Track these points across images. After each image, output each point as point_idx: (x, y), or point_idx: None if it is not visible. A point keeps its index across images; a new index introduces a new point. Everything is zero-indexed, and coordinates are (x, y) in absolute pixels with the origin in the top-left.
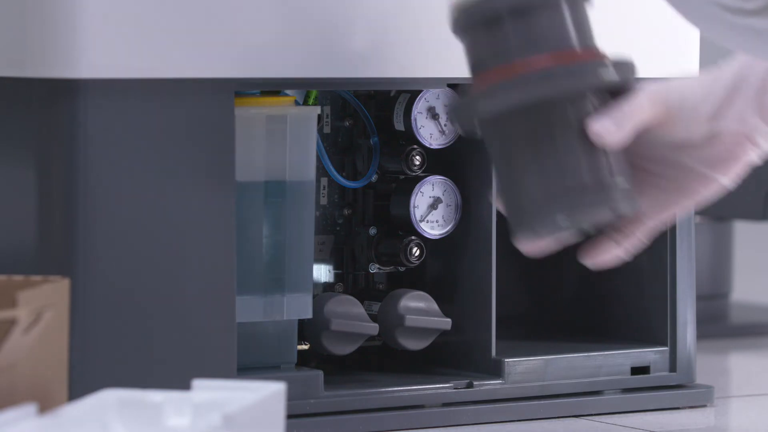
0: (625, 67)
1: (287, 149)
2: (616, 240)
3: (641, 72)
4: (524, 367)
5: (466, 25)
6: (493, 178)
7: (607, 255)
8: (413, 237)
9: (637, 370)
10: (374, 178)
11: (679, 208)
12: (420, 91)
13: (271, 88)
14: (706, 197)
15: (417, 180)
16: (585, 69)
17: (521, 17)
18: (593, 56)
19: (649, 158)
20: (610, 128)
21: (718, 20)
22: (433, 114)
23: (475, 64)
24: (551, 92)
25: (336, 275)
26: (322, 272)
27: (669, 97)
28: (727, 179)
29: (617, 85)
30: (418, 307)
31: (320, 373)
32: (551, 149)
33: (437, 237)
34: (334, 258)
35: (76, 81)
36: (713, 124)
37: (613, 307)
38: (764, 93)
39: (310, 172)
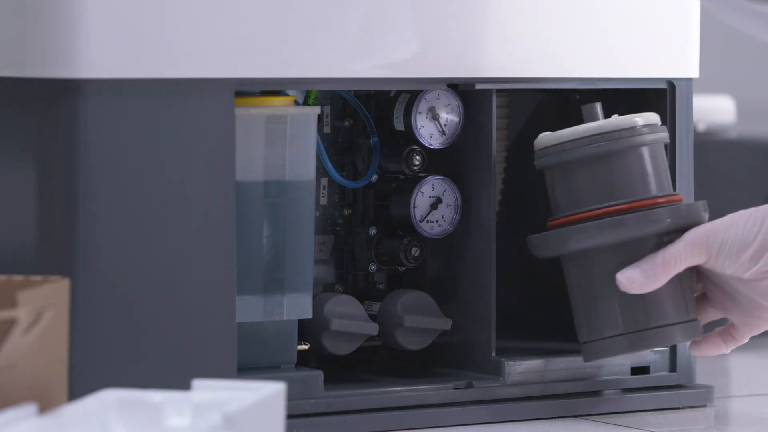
0: (695, 208)
1: (287, 149)
2: (723, 338)
3: (644, 72)
4: (524, 367)
5: (559, 162)
6: (493, 177)
7: (713, 350)
8: (413, 237)
9: (637, 370)
10: (374, 178)
11: (764, 324)
12: (420, 91)
13: (271, 88)
14: None
15: (417, 180)
16: (659, 214)
17: (604, 163)
18: (669, 200)
19: (724, 281)
20: (638, 279)
21: (737, 7)
22: (433, 114)
23: (568, 203)
24: (625, 236)
25: (336, 275)
26: (322, 272)
27: (709, 243)
28: None
29: (687, 225)
30: (418, 307)
31: (320, 373)
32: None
33: (437, 237)
34: (334, 258)
35: (76, 81)
36: (756, 267)
37: None
38: None
39: (310, 172)
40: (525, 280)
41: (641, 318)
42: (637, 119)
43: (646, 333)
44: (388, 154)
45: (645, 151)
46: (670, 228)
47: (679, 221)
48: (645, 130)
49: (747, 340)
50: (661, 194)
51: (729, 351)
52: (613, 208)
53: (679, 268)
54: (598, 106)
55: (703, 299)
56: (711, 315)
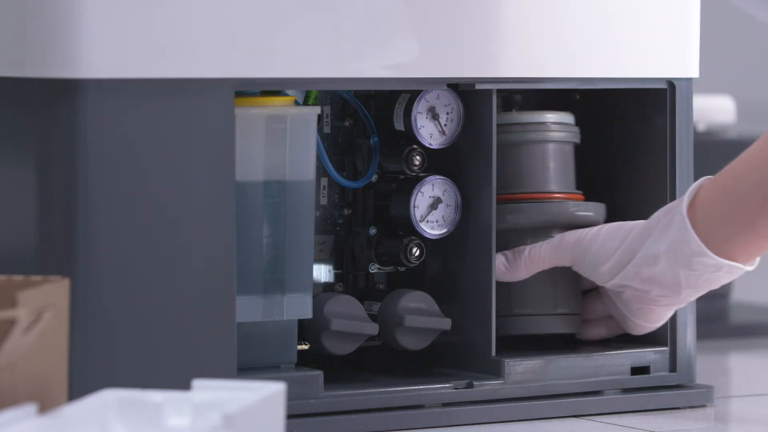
0: (565, 207)
1: (287, 149)
2: (607, 326)
3: (644, 72)
4: (524, 367)
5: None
6: (493, 177)
7: (596, 335)
8: (413, 237)
9: (637, 370)
10: (374, 178)
11: (640, 328)
12: (420, 91)
13: (271, 88)
14: (648, 329)
15: (417, 180)
16: (527, 207)
17: (513, 152)
18: (567, 197)
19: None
20: (500, 267)
21: None
22: (433, 114)
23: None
24: (507, 224)
25: (336, 275)
26: (322, 272)
27: (575, 250)
28: (648, 324)
29: (561, 224)
30: (418, 307)
31: (320, 373)
32: None
33: (437, 237)
34: (334, 258)
35: (76, 81)
36: (613, 281)
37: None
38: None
39: (310, 172)
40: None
41: (505, 304)
42: (548, 116)
43: (509, 319)
44: (388, 154)
45: (550, 147)
46: (539, 224)
47: (547, 218)
48: (554, 127)
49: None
50: (559, 191)
51: (613, 337)
52: (510, 195)
53: (543, 267)
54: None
55: (596, 294)
56: (600, 311)
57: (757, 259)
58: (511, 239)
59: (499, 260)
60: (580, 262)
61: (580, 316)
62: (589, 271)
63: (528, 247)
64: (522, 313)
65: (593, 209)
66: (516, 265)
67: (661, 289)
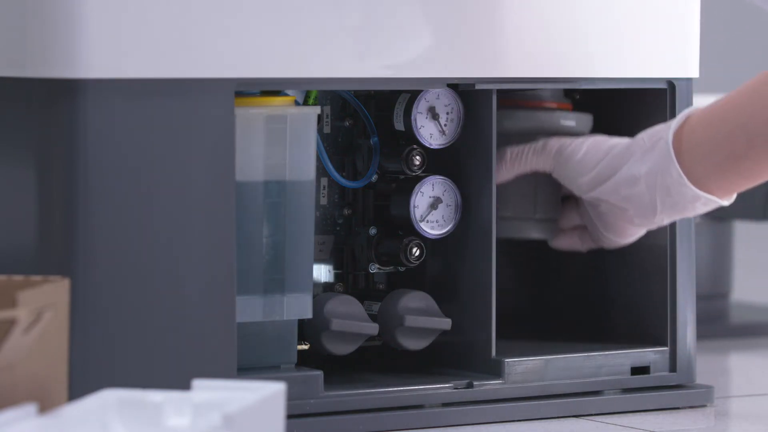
0: (554, 117)
1: (287, 149)
2: (580, 237)
3: (644, 72)
4: (524, 367)
5: None
6: (493, 177)
7: (568, 245)
8: (413, 237)
9: (637, 370)
10: (374, 178)
11: (611, 243)
12: (420, 91)
13: (271, 88)
14: (619, 244)
15: (417, 180)
16: (517, 113)
17: None
18: (558, 106)
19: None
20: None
21: None
22: (433, 114)
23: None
24: (506, 127)
25: (336, 275)
26: (322, 272)
27: (557, 156)
28: (619, 240)
29: (569, 131)
30: (418, 307)
31: (320, 373)
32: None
33: (437, 237)
34: (334, 258)
35: (76, 81)
36: (591, 194)
37: (613, 307)
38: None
39: (310, 172)
40: (525, 280)
41: (499, 205)
42: None
43: (510, 222)
44: (388, 154)
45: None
46: (524, 130)
47: (533, 124)
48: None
49: (601, 246)
50: (551, 99)
51: (585, 250)
52: (511, 101)
53: (524, 170)
54: None
55: (573, 203)
56: (574, 220)
57: (734, 195)
58: (499, 143)
59: None
60: (560, 170)
61: (558, 223)
62: (568, 180)
63: (510, 149)
64: (502, 216)
65: (576, 119)
66: (498, 166)
67: (637, 209)
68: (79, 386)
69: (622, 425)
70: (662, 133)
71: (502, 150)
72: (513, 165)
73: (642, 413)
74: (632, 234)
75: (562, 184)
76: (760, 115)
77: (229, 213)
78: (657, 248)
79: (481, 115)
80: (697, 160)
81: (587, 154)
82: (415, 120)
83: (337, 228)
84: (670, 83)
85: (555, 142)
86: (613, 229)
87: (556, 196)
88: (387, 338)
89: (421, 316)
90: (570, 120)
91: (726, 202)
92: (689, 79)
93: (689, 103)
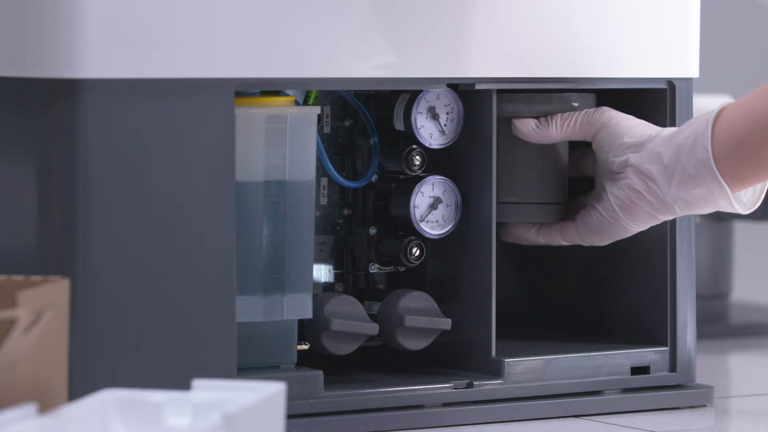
0: (585, 98)
1: (287, 149)
2: (564, 231)
3: (644, 72)
4: (524, 367)
5: None
6: (493, 177)
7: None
8: (413, 237)
9: (637, 370)
10: (374, 178)
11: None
12: (420, 91)
13: (271, 88)
14: (621, 236)
15: (417, 180)
16: (547, 96)
17: None
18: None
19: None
20: (530, 126)
21: None
22: (433, 114)
23: None
24: (508, 110)
25: (336, 275)
26: (322, 272)
27: (609, 121)
28: (631, 224)
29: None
30: (418, 307)
31: (320, 373)
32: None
33: (437, 237)
34: (334, 258)
35: (76, 81)
36: (624, 157)
37: (613, 307)
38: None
39: (310, 172)
40: (525, 279)
41: (503, 191)
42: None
43: (497, 206)
44: (388, 154)
45: None
46: (524, 113)
47: (533, 107)
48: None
49: (583, 243)
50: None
51: (563, 244)
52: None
53: (571, 134)
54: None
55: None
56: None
57: (749, 201)
58: (500, 127)
59: (529, 123)
60: (604, 134)
61: (565, 206)
62: (606, 146)
63: (560, 114)
64: (508, 201)
65: (579, 99)
66: (547, 127)
67: (657, 184)
68: (79, 386)
69: (622, 425)
70: (701, 140)
71: (550, 116)
72: (563, 126)
73: (642, 413)
74: (642, 222)
75: (597, 153)
76: None
77: (229, 213)
78: (657, 248)
79: (481, 115)
80: (732, 166)
81: (639, 125)
82: (415, 120)
83: (337, 228)
84: (670, 83)
85: (608, 109)
86: (627, 210)
87: (562, 180)
88: (387, 338)
89: (421, 316)
90: (572, 101)
91: (739, 206)
92: (689, 79)
93: (689, 103)
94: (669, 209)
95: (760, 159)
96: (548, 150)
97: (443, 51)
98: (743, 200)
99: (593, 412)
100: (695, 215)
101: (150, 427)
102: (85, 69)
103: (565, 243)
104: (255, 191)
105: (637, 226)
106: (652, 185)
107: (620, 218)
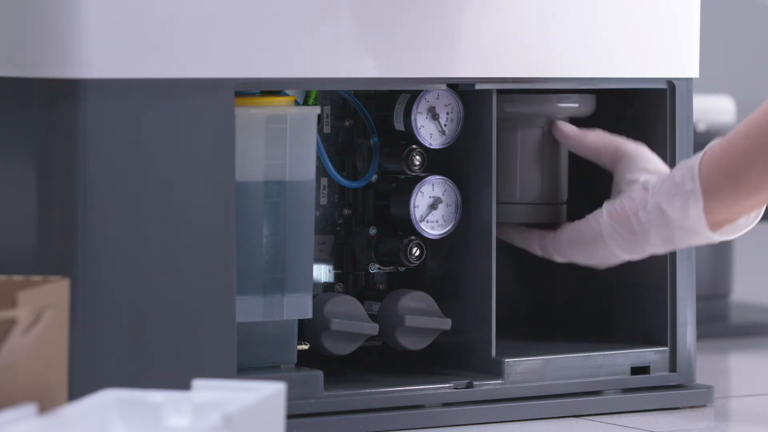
0: (585, 99)
1: (287, 149)
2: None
3: (644, 72)
4: (524, 367)
5: None
6: (493, 177)
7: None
8: (413, 237)
9: (637, 370)
10: (374, 178)
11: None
12: (420, 91)
13: (271, 88)
14: (594, 254)
15: (417, 180)
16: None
17: None
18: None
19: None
20: (572, 130)
21: None
22: (433, 114)
23: None
24: (508, 110)
25: (336, 275)
26: (322, 272)
27: (636, 150)
28: (612, 236)
29: (572, 113)
30: (418, 307)
31: (320, 373)
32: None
33: (437, 237)
34: (334, 258)
35: (76, 81)
36: (635, 177)
37: (613, 307)
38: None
39: (310, 172)
40: (525, 279)
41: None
42: None
43: (497, 207)
44: (388, 154)
45: None
46: (525, 113)
47: (534, 108)
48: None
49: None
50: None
51: (540, 254)
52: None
53: (606, 147)
54: None
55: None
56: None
57: (724, 231)
58: (500, 127)
59: (572, 128)
60: (630, 158)
61: (565, 206)
62: (630, 164)
63: (600, 130)
64: (509, 202)
65: (579, 100)
66: (585, 135)
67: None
68: (79, 386)
69: (622, 425)
70: (690, 192)
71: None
72: (599, 139)
73: (642, 413)
74: (623, 236)
75: (615, 173)
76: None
77: (229, 213)
78: None
79: (481, 115)
80: (718, 209)
81: (666, 167)
82: (415, 120)
83: (337, 228)
84: (670, 83)
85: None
86: (616, 220)
87: (563, 181)
88: (387, 338)
89: (421, 316)
90: (572, 102)
91: (714, 234)
92: (689, 79)
93: (689, 103)
94: (645, 235)
95: (739, 171)
96: (548, 151)
97: (443, 51)
98: (722, 231)
99: (593, 412)
100: None
101: (150, 427)
102: (85, 69)
103: (539, 252)
104: (255, 191)
105: (615, 243)
106: (647, 197)
107: (603, 228)
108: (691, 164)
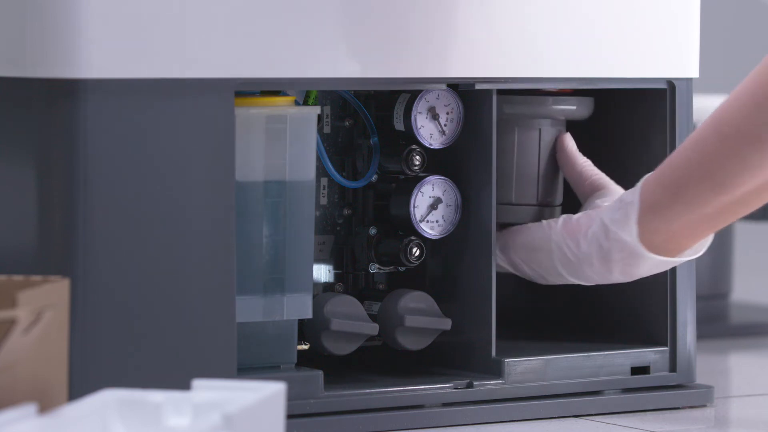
0: (583, 102)
1: (287, 149)
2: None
3: (644, 72)
4: (524, 367)
5: None
6: (493, 177)
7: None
8: (413, 237)
9: (637, 370)
10: (374, 178)
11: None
12: (420, 91)
13: (271, 88)
14: (539, 262)
15: (417, 180)
16: (539, 99)
17: None
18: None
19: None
20: (571, 147)
21: None
22: (433, 114)
23: None
24: (507, 111)
25: (336, 275)
26: (322, 272)
27: (606, 180)
28: (563, 267)
29: (569, 115)
30: (418, 307)
31: (320, 373)
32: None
33: (437, 237)
34: (334, 258)
35: (76, 81)
36: (602, 202)
37: (613, 307)
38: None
39: (310, 172)
40: (525, 280)
41: (510, 194)
42: None
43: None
44: (388, 154)
45: None
46: (523, 114)
47: (532, 109)
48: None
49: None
50: (551, 87)
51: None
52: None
53: (594, 171)
54: None
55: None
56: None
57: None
58: (500, 128)
59: (569, 142)
60: (599, 188)
61: (560, 208)
62: (599, 195)
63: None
64: (505, 202)
65: (577, 103)
66: (578, 154)
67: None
68: (79, 386)
69: (622, 425)
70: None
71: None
72: (586, 164)
73: (642, 413)
74: (571, 247)
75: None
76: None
77: (229, 213)
78: None
79: (481, 115)
80: (654, 173)
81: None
82: (415, 120)
83: (337, 228)
84: (670, 83)
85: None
86: (569, 230)
87: (557, 182)
88: (387, 338)
89: (421, 316)
90: (570, 104)
91: (652, 254)
92: (689, 79)
93: (689, 103)
94: (588, 257)
95: (679, 184)
96: (544, 153)
97: (443, 51)
98: (660, 252)
99: (593, 412)
100: None
101: (150, 427)
102: (85, 69)
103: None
104: (255, 191)
105: (560, 254)
106: (599, 215)
107: (554, 234)
108: (636, 181)
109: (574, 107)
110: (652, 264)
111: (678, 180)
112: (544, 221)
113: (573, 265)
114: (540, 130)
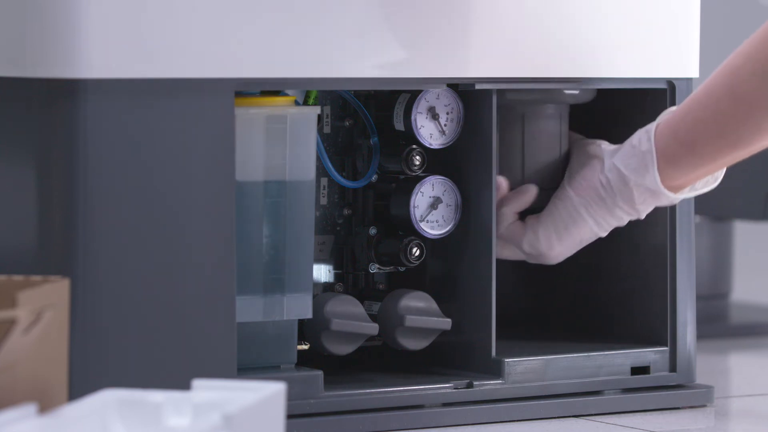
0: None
1: (287, 149)
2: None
3: (644, 72)
4: (524, 367)
5: None
6: (493, 177)
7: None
8: (413, 237)
9: (637, 370)
10: (374, 178)
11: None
12: (420, 91)
13: (271, 88)
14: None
15: (417, 180)
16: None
17: None
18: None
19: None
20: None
21: None
22: (433, 114)
23: None
24: (514, 97)
25: (336, 275)
26: (322, 272)
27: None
28: (599, 228)
29: (572, 99)
30: (418, 307)
31: (320, 373)
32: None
33: (437, 237)
34: (334, 258)
35: (76, 81)
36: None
37: (613, 307)
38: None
39: (310, 172)
40: (525, 279)
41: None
42: None
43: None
44: (388, 154)
45: None
46: (526, 100)
47: (535, 95)
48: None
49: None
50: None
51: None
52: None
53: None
54: None
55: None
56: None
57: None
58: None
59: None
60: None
61: (553, 192)
62: (591, 150)
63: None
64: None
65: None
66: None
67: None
68: (79, 386)
69: (622, 425)
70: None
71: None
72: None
73: (642, 413)
74: (589, 194)
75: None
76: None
77: (229, 213)
78: (657, 248)
79: (481, 115)
80: (666, 123)
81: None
82: (415, 120)
83: (337, 228)
84: (670, 83)
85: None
86: (578, 184)
87: (550, 167)
88: (387, 338)
89: (421, 316)
90: (573, 89)
91: (673, 194)
92: (689, 79)
93: None
94: (613, 198)
95: (695, 141)
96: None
97: (443, 51)
98: (682, 192)
99: (593, 412)
100: (695, 214)
101: (150, 427)
102: (85, 69)
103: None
104: (255, 191)
105: (589, 215)
106: (604, 161)
107: (576, 204)
108: (647, 128)
109: (576, 92)
110: (669, 200)
111: (693, 136)
112: (556, 201)
113: (603, 215)
114: (545, 113)
